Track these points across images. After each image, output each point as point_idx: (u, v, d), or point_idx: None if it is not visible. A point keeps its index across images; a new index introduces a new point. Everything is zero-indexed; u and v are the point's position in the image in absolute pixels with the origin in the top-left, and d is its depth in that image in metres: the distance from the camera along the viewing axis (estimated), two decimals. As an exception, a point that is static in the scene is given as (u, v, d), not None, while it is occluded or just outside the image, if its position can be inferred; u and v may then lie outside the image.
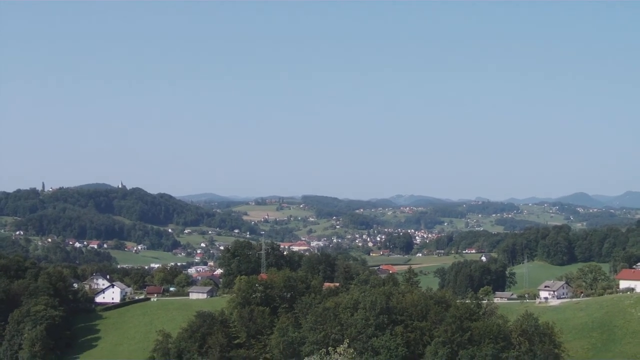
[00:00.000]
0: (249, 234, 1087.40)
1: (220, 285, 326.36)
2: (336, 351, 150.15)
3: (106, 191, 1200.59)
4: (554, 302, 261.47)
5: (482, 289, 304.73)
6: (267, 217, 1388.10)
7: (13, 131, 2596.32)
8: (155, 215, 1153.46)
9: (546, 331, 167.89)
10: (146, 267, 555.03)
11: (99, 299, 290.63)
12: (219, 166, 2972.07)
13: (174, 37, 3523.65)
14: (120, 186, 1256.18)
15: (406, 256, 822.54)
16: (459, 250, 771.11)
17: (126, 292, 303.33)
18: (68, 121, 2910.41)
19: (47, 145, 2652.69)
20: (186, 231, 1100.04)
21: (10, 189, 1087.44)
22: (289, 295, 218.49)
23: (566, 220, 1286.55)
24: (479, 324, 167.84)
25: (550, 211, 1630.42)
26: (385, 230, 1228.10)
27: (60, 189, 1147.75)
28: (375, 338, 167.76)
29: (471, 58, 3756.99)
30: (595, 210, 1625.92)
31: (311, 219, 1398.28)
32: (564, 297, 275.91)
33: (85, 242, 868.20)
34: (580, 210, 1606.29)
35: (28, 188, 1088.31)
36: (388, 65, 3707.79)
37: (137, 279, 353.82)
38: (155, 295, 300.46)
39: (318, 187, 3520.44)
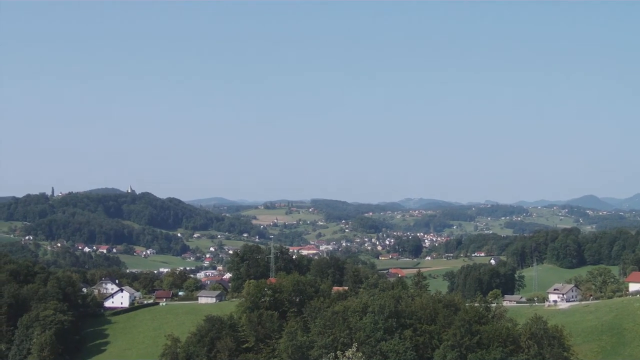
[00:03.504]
0: (258, 238, 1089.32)
1: (229, 290, 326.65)
2: (345, 355, 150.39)
3: (115, 196, 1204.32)
4: (563, 305, 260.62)
5: (491, 292, 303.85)
6: (276, 221, 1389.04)
7: (22, 136, 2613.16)
8: (164, 219, 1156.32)
9: (555, 334, 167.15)
10: (155, 271, 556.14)
11: (107, 303, 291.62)
12: (228, 170, 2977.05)
13: (182, 39, 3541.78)
14: (129, 191, 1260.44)
15: (415, 260, 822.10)
16: (468, 254, 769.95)
17: (135, 297, 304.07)
18: (77, 126, 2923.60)
19: (56, 151, 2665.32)
20: (195, 235, 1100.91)
21: (20, 194, 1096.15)
22: (297, 300, 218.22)
23: (575, 223, 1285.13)
24: (487, 328, 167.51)
25: (560, 214, 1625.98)
26: (394, 233, 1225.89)
27: (70, 193, 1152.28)
28: (384, 342, 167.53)
29: (481, 60, 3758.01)
30: (604, 212, 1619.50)
31: (320, 223, 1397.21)
32: (573, 300, 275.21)
33: (94, 247, 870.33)
34: (590, 212, 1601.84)
35: (37, 193, 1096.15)
36: (396, 67, 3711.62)
37: (146, 283, 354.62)
38: (164, 299, 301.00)
39: (327, 191, 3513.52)
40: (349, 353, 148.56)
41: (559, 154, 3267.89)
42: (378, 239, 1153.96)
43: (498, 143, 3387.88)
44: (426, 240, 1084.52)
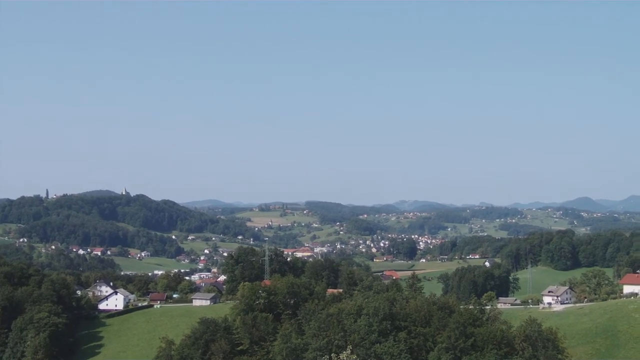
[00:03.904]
0: (253, 240, 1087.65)
1: (223, 292, 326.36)
2: (339, 357, 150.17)
3: (110, 198, 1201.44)
4: (558, 307, 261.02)
5: (485, 294, 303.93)
6: (270, 223, 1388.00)
7: (17, 138, 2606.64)
8: (159, 221, 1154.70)
9: (550, 337, 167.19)
10: (150, 273, 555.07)
11: (102, 305, 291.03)
12: (223, 172, 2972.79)
13: (177, 40, 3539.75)
14: (124, 193, 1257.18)
15: (410, 262, 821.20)
16: (463, 256, 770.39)
17: (129, 299, 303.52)
18: (73, 127, 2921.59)
19: (51, 152, 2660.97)
20: (190, 238, 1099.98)
21: (14, 196, 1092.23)
22: (292, 302, 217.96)
23: (570, 225, 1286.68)
24: (482, 330, 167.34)
25: (554, 216, 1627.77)
26: (389, 235, 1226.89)
27: (64, 195, 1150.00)
28: (378, 344, 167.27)
29: (475, 62, 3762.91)
30: (599, 214, 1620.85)
31: (315, 225, 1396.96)
32: (568, 303, 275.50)
33: (88, 249, 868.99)
34: (584, 214, 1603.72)
35: (32, 195, 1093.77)
36: (396, 67, 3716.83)
37: (141, 285, 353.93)
38: (159, 302, 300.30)
39: (322, 193, 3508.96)
40: (343, 355, 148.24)
41: (553, 156, 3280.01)
42: (372, 241, 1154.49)
43: (492, 145, 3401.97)
44: (421, 243, 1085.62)
